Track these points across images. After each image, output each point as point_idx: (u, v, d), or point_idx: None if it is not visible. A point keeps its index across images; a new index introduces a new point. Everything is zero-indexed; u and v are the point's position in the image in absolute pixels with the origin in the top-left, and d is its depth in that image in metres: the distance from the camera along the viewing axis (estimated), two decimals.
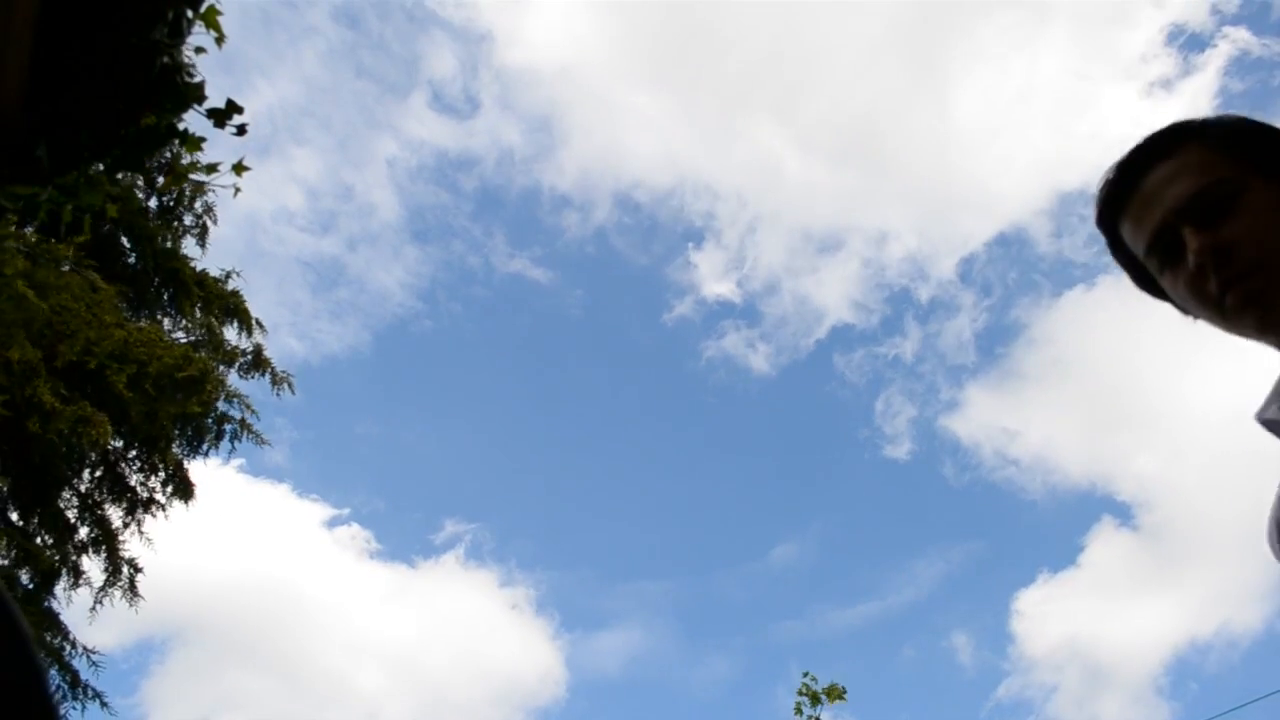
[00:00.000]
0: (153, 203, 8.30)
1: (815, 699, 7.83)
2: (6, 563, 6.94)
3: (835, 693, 7.88)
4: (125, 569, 7.64)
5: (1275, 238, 1.02)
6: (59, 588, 7.36)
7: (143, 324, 7.35)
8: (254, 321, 8.34)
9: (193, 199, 8.46)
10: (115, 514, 7.73)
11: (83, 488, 7.64)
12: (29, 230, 6.24)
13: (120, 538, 7.65)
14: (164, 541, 7.86)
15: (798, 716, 7.77)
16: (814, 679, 7.91)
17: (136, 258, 8.14)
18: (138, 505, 7.72)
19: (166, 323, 8.05)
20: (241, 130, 2.35)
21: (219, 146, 2.58)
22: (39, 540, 7.29)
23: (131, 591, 7.62)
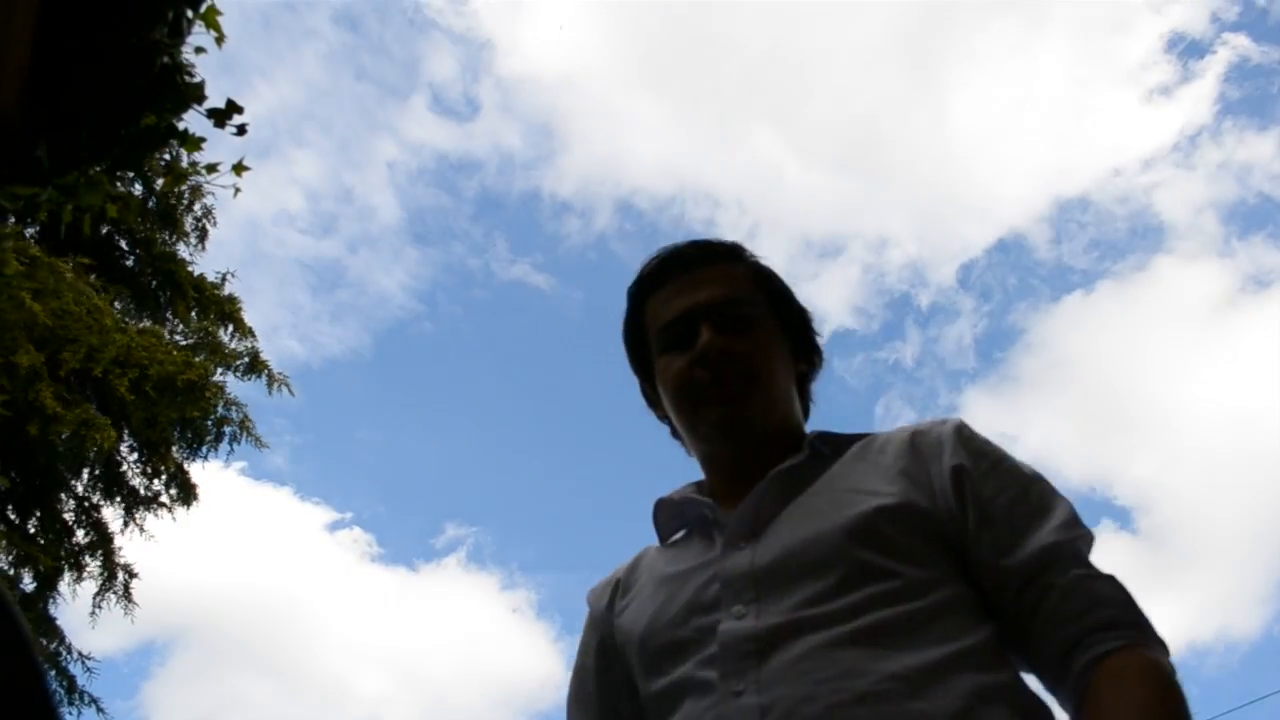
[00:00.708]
0: (151, 204, 8.30)
1: None
2: (6, 565, 6.93)
3: None
4: (121, 574, 7.62)
5: (769, 366, 1.17)
6: (58, 588, 7.35)
7: (143, 326, 7.33)
8: (248, 329, 8.32)
9: (192, 200, 8.46)
10: (113, 517, 7.72)
11: (80, 490, 7.63)
12: (30, 235, 6.24)
13: (116, 543, 7.63)
14: (166, 545, 7.84)
15: None
16: None
17: (134, 260, 8.14)
18: (136, 509, 7.71)
19: (165, 327, 8.04)
20: (241, 130, 2.35)
21: (219, 148, 2.58)
22: (38, 543, 7.28)
23: (126, 598, 7.59)
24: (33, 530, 7.32)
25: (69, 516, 7.57)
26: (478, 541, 23.99)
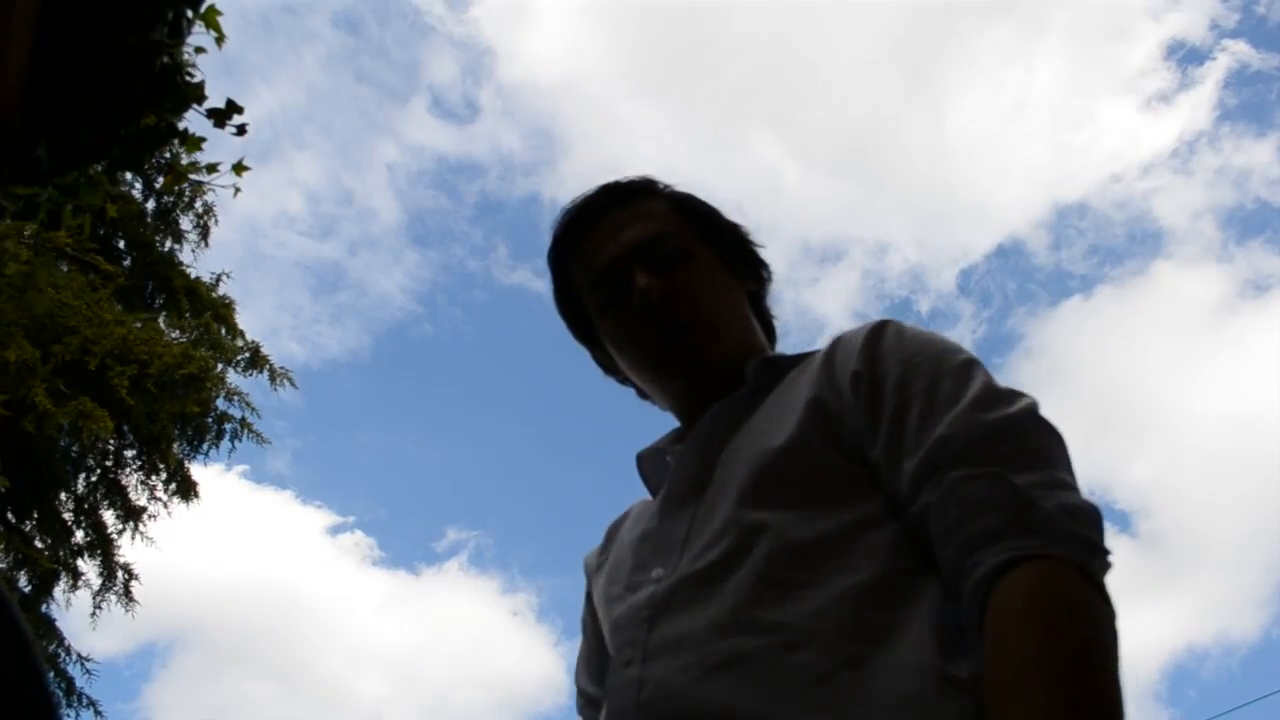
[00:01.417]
0: (150, 204, 8.29)
1: None
2: (5, 566, 6.91)
3: None
4: (120, 574, 7.60)
5: (713, 297, 1.08)
6: (56, 591, 7.33)
7: (140, 323, 7.31)
8: (240, 333, 8.29)
9: (192, 199, 8.44)
10: (111, 518, 7.70)
11: (79, 490, 7.61)
12: (28, 235, 6.22)
13: (116, 543, 7.61)
14: (168, 547, 7.81)
15: None
16: None
17: (132, 261, 8.12)
18: (136, 508, 7.69)
19: (162, 323, 8.02)
20: (242, 130, 2.35)
21: (220, 149, 2.58)
22: (37, 543, 7.26)
23: (127, 597, 7.57)
24: (31, 530, 7.30)
25: (68, 516, 7.55)
26: (479, 545, 23.99)
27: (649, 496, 1.15)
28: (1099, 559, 0.78)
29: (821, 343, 1.20)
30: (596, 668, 1.12)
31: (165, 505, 7.77)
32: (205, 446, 7.95)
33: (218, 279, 8.39)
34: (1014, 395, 0.89)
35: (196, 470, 7.97)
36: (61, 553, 7.36)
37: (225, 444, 8.00)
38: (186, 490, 7.85)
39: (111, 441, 7.44)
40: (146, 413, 7.03)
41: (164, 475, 7.79)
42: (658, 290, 1.05)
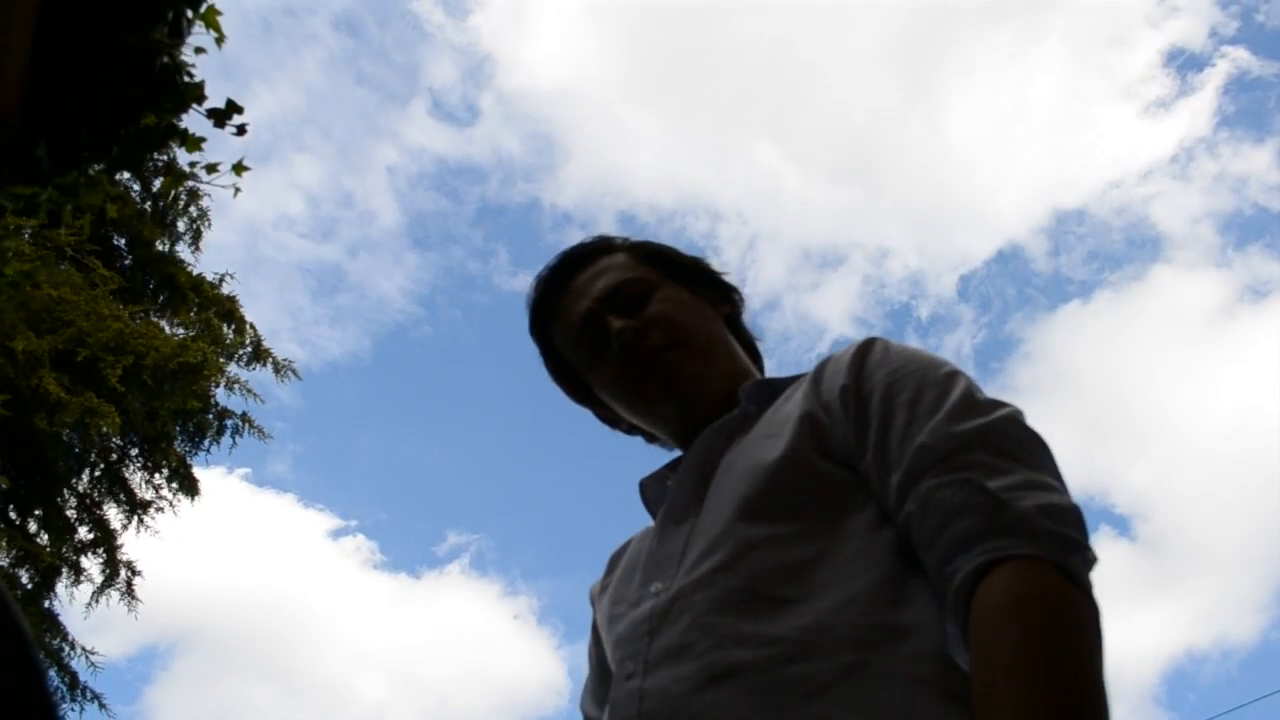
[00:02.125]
0: (148, 205, 8.29)
1: None
2: (7, 562, 6.92)
3: None
4: (123, 571, 7.60)
5: (684, 317, 1.14)
6: (59, 587, 7.33)
7: (138, 317, 7.30)
8: (248, 326, 8.30)
9: (188, 204, 8.44)
10: (115, 514, 7.71)
11: (81, 487, 7.61)
12: (27, 235, 6.23)
13: (118, 540, 7.62)
14: (169, 549, 7.81)
15: None
16: None
17: (132, 261, 8.12)
18: (138, 505, 7.69)
19: (163, 322, 8.02)
20: (241, 130, 2.36)
21: (219, 150, 2.59)
22: (39, 540, 7.27)
23: (129, 595, 7.58)
24: (34, 528, 7.31)
25: (71, 514, 7.56)
26: (480, 548, 23.99)
27: (651, 522, 1.16)
28: (1077, 555, 0.77)
29: (821, 349, 1.20)
30: (602, 697, 1.13)
31: (170, 502, 7.78)
32: (206, 443, 7.94)
33: (221, 279, 8.41)
34: (994, 404, 0.90)
35: (198, 470, 7.97)
36: (64, 550, 7.37)
37: (226, 440, 8.01)
38: (189, 488, 7.85)
39: (115, 439, 7.45)
40: (146, 410, 7.03)
41: (165, 473, 7.80)
42: (631, 329, 1.11)
